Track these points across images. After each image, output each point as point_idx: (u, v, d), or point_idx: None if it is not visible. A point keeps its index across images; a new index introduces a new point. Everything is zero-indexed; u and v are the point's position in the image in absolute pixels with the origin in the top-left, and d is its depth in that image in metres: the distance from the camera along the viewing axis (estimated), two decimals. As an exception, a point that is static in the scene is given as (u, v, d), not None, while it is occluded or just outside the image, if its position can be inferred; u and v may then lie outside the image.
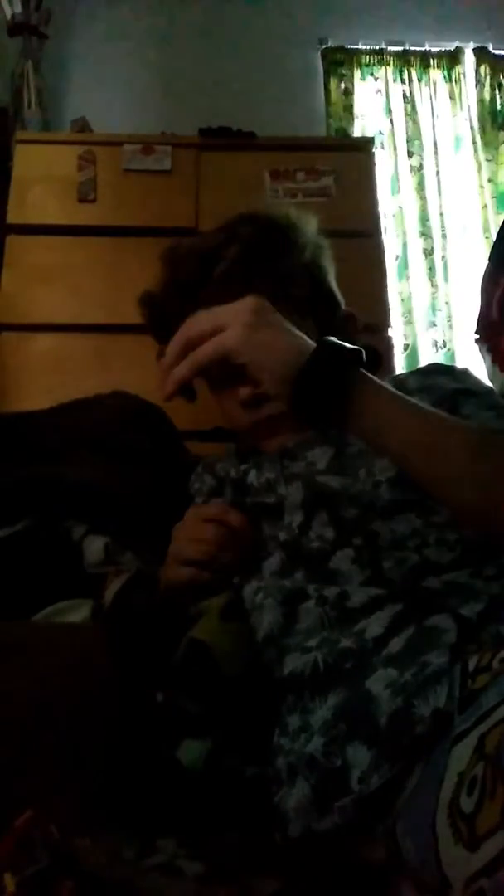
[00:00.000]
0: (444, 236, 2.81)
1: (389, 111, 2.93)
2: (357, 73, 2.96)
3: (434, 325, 2.72)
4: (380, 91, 2.97)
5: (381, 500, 0.75)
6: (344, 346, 0.71)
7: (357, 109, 2.91)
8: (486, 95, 2.99)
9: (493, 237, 2.29)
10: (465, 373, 0.92)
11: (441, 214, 2.82)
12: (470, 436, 0.71)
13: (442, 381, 0.85)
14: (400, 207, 2.81)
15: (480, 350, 1.84)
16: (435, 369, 0.92)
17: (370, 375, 0.72)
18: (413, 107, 2.94)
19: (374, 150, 2.26)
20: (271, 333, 0.71)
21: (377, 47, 2.98)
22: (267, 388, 0.71)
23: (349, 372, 0.70)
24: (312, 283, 0.92)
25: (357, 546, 0.72)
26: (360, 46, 2.97)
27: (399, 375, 0.97)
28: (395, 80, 2.97)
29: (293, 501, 0.78)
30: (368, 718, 0.54)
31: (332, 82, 2.93)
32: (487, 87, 2.99)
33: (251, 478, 0.86)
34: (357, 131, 2.87)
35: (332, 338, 0.72)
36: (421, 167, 2.86)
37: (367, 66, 2.98)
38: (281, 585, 0.71)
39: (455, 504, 0.69)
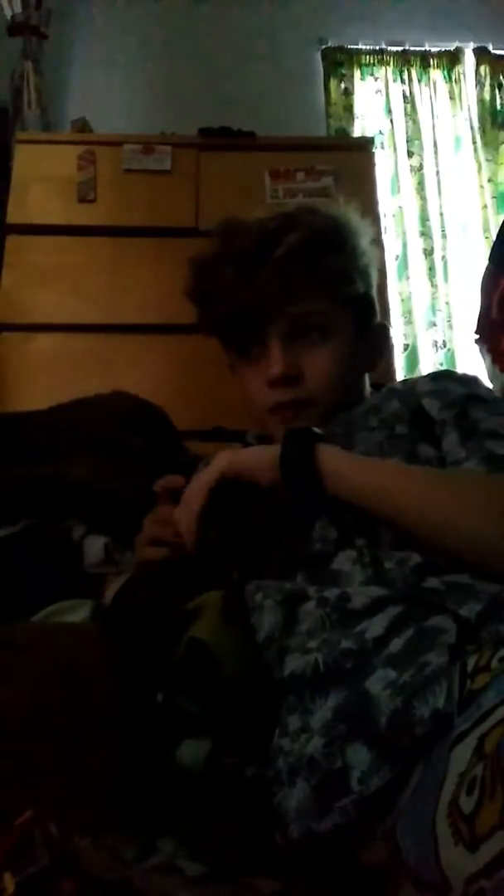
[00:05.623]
0: (444, 236, 2.81)
1: (389, 111, 2.93)
2: (357, 73, 2.96)
3: (434, 325, 2.72)
4: (380, 91, 2.96)
5: None
6: (304, 429, 0.78)
7: (357, 109, 2.91)
8: (486, 95, 2.99)
9: (493, 237, 2.29)
10: (475, 380, 0.93)
11: (441, 214, 2.82)
12: (426, 472, 0.77)
13: (453, 386, 0.86)
14: (400, 207, 2.81)
15: (480, 350, 1.85)
16: (446, 375, 0.92)
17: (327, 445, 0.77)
18: (413, 107, 2.93)
19: (374, 150, 2.26)
20: (248, 450, 0.84)
21: (377, 47, 2.97)
22: (266, 479, 0.76)
23: (312, 442, 0.76)
24: (360, 288, 0.93)
25: (359, 547, 0.72)
26: (360, 46, 2.97)
27: (408, 379, 0.99)
28: (395, 80, 2.97)
29: None
30: (368, 719, 0.54)
31: (332, 82, 2.92)
32: (487, 87, 2.99)
33: None
34: (357, 131, 2.86)
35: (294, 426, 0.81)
36: (421, 167, 2.86)
37: (367, 66, 2.97)
38: (281, 586, 0.71)
39: (418, 534, 0.71)
